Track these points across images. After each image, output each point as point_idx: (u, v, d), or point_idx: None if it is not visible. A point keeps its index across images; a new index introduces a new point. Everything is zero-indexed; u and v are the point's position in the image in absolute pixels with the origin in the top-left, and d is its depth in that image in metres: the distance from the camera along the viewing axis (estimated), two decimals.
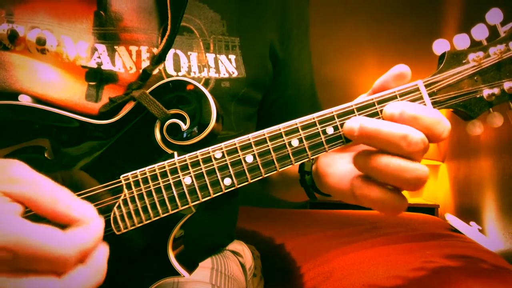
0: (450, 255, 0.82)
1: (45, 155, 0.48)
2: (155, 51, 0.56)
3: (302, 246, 1.07)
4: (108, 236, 0.46)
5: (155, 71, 0.56)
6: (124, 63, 0.56)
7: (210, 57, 0.61)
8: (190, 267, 0.50)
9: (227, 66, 0.63)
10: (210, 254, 0.75)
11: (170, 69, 0.58)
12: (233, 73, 0.63)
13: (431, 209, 2.43)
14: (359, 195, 0.44)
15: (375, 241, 1.02)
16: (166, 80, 0.49)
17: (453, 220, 2.24)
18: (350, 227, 1.23)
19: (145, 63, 0.57)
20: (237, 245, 0.84)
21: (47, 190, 0.36)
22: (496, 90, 0.43)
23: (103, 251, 0.37)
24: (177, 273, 0.49)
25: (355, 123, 0.42)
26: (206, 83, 0.60)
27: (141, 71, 0.56)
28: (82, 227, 0.36)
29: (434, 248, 0.91)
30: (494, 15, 0.43)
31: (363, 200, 0.44)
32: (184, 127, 0.48)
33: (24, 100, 0.53)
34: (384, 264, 0.79)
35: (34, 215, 0.36)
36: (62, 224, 0.36)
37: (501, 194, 1.73)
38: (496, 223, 1.75)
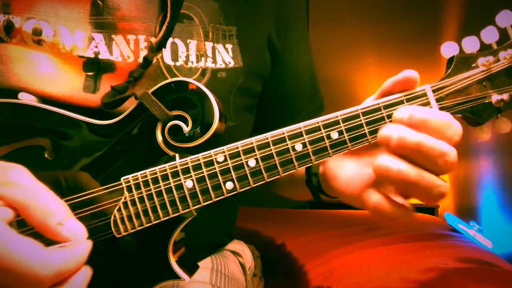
0: (450, 255, 0.82)
1: (45, 155, 0.47)
2: (153, 40, 0.56)
3: (302, 246, 1.07)
4: (109, 238, 0.46)
5: (154, 60, 0.56)
6: (122, 52, 0.56)
7: (209, 45, 0.61)
8: (191, 270, 0.50)
9: (224, 56, 0.62)
10: (209, 253, 0.75)
11: (168, 59, 0.58)
12: (230, 63, 0.63)
13: (431, 209, 2.42)
14: (372, 208, 0.44)
15: (375, 241, 1.01)
16: (168, 80, 0.49)
17: (452, 219, 2.24)
18: (350, 227, 1.22)
19: (143, 52, 0.56)
20: (237, 245, 0.84)
21: (43, 200, 0.35)
22: (505, 96, 0.42)
23: (84, 275, 0.36)
24: (177, 277, 0.48)
25: (392, 132, 0.41)
26: (203, 73, 0.60)
27: (139, 59, 0.56)
28: (65, 249, 0.35)
29: (434, 248, 0.91)
30: (505, 18, 0.42)
31: (373, 212, 0.44)
32: (186, 129, 0.47)
33: (24, 98, 0.52)
34: (384, 264, 0.78)
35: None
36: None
37: (501, 194, 1.73)
38: (496, 223, 1.76)
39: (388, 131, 0.41)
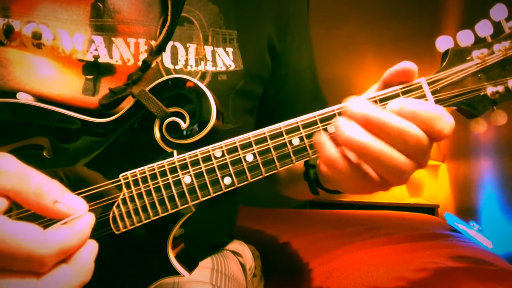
0: (450, 255, 0.82)
1: (44, 154, 0.48)
2: (153, 43, 0.56)
3: (302, 246, 1.07)
4: (108, 235, 0.46)
5: (153, 64, 0.56)
6: (121, 55, 0.56)
7: (208, 49, 0.61)
8: (190, 267, 0.50)
9: (224, 59, 0.62)
10: (210, 253, 0.75)
11: (168, 62, 0.58)
12: (230, 66, 0.63)
13: (431, 209, 2.42)
14: (321, 157, 0.42)
15: (375, 241, 1.02)
16: (165, 77, 0.49)
17: (452, 219, 2.24)
18: (350, 227, 1.22)
19: (143, 56, 0.56)
20: (237, 245, 0.83)
21: (34, 183, 0.35)
22: (500, 88, 0.43)
23: (90, 249, 0.36)
24: (177, 273, 0.48)
25: (359, 108, 0.40)
26: (203, 76, 0.60)
27: (139, 63, 0.56)
28: (65, 225, 0.35)
29: (434, 248, 0.91)
30: (499, 11, 0.42)
31: (324, 161, 0.42)
32: (183, 125, 0.48)
33: (23, 98, 0.52)
34: (384, 264, 0.78)
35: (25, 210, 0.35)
36: (53, 220, 0.35)
37: (501, 194, 1.73)
38: (496, 223, 1.75)
39: (356, 106, 0.40)
